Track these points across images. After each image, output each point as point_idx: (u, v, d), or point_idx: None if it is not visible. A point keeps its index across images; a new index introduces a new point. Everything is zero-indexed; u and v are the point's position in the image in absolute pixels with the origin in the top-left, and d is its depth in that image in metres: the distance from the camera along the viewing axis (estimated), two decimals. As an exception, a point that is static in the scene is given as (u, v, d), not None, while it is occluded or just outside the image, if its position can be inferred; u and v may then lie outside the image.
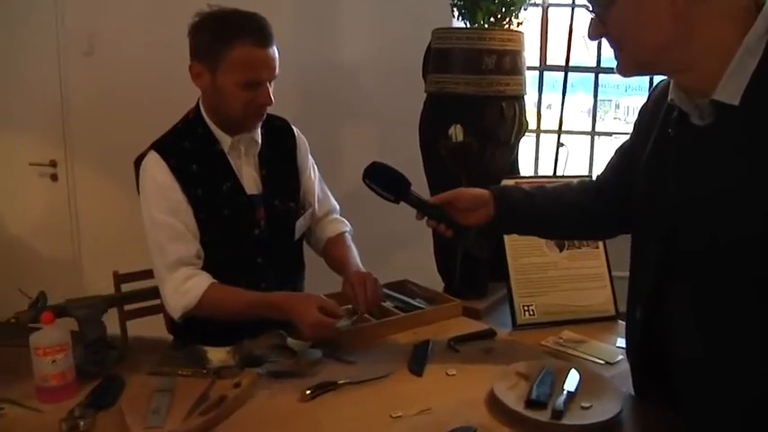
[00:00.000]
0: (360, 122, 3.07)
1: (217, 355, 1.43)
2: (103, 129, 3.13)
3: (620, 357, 1.55)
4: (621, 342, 1.62)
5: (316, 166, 1.81)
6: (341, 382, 1.35)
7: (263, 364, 1.43)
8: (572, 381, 1.34)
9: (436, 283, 2.05)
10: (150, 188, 1.55)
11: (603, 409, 1.25)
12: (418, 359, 1.46)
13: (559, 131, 2.74)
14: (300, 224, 1.72)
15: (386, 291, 1.74)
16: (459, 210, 1.42)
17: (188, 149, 1.56)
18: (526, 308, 1.76)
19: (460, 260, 1.88)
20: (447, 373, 1.41)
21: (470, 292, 1.85)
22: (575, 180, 1.56)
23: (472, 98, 1.77)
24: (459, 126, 1.72)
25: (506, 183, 1.83)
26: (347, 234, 1.81)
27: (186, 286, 1.52)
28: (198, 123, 1.59)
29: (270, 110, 1.60)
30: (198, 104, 1.61)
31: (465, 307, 1.77)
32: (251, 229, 1.62)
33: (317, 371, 1.41)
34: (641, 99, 1.41)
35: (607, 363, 1.55)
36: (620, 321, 1.79)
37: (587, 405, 1.26)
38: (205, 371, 1.40)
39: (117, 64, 3.07)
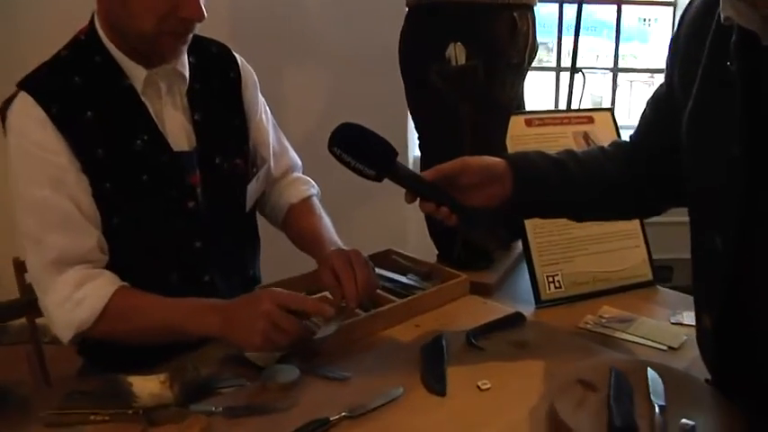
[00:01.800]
0: (312, 59, 2.55)
1: (146, 385, 0.97)
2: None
3: (684, 338, 1.20)
4: (675, 317, 1.28)
5: (268, 109, 1.34)
6: (334, 417, 0.92)
7: (213, 393, 1.00)
8: (656, 388, 0.97)
9: (424, 250, 1.62)
10: (20, 150, 1.05)
11: (713, 428, 0.89)
12: (434, 368, 1.05)
13: (575, 52, 2.32)
14: (253, 189, 1.26)
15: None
16: (465, 187, 1.02)
17: (79, 88, 1.06)
18: (551, 279, 1.37)
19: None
20: (479, 387, 1.01)
21: (476, 260, 1.45)
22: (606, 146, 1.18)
23: (475, 6, 1.32)
24: (459, 45, 1.28)
25: (516, 119, 1.43)
26: (315, 198, 1.36)
27: (80, 294, 1.04)
28: (93, 49, 1.09)
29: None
30: (92, 21, 1.11)
31: (472, 282, 1.37)
32: (183, 200, 1.15)
33: (296, 398, 0.98)
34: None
35: (671, 348, 1.19)
36: (659, 288, 1.44)
37: (689, 424, 0.89)
38: (131, 411, 0.96)
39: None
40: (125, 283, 1.08)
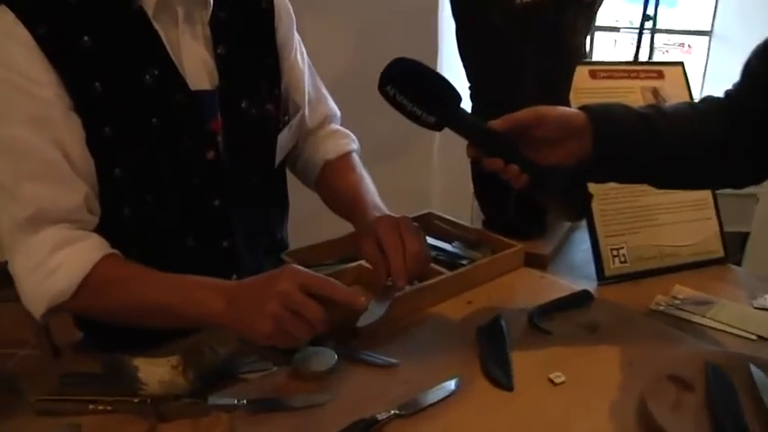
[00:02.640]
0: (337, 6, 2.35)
1: (155, 370, 0.81)
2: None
3: (775, 325, 1.03)
4: (757, 300, 1.12)
5: (304, 50, 1.15)
6: (382, 416, 0.76)
7: (234, 379, 0.84)
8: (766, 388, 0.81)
9: (461, 211, 1.45)
10: None
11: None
12: (496, 356, 0.88)
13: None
14: (283, 140, 1.07)
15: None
16: (538, 141, 0.85)
17: (74, 7, 0.86)
18: (615, 253, 1.20)
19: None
20: (551, 381, 0.85)
21: (529, 228, 1.27)
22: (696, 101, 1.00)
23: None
24: (525, -23, 1.08)
25: (581, 70, 1.24)
26: (355, 155, 1.17)
27: (56, 260, 0.85)
28: None
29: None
30: None
31: (525, 253, 1.20)
32: (200, 150, 0.96)
33: (334, 390, 0.82)
34: None
35: (760, 338, 1.02)
36: (731, 266, 1.27)
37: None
38: (137, 400, 0.80)
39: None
40: (114, 251, 0.89)
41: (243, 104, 0.99)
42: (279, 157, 1.07)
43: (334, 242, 1.15)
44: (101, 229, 0.90)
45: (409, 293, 0.99)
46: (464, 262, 1.14)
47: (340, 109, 1.21)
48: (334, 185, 1.11)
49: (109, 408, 0.79)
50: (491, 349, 0.90)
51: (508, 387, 0.83)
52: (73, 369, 0.86)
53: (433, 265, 1.08)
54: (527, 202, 1.09)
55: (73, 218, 0.87)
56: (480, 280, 1.10)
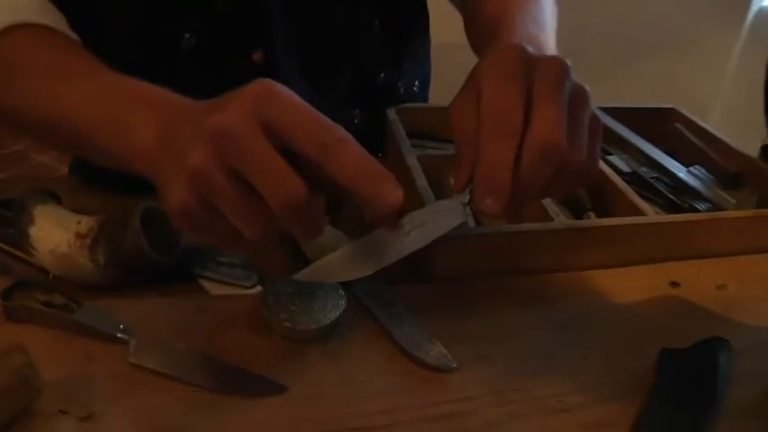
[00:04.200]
0: None
1: (52, 233, 0.48)
2: None
3: None
4: None
5: None
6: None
7: (188, 284, 0.48)
8: None
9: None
10: None
11: None
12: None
13: None
14: None
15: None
16: None
17: None
18: None
19: None
20: None
21: None
22: None
23: None
24: None
25: None
26: None
27: None
28: None
29: None
30: None
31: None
32: None
33: (311, 372, 0.41)
34: None
35: None
36: None
37: None
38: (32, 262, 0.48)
39: None
40: (62, 31, 0.53)
41: None
42: None
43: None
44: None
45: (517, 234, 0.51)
46: (701, 206, 0.61)
47: None
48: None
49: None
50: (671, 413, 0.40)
51: None
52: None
53: (637, 199, 0.57)
54: None
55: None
56: (718, 246, 0.56)
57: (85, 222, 0.49)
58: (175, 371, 0.41)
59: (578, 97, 0.40)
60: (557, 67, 0.39)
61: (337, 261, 0.40)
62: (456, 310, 0.48)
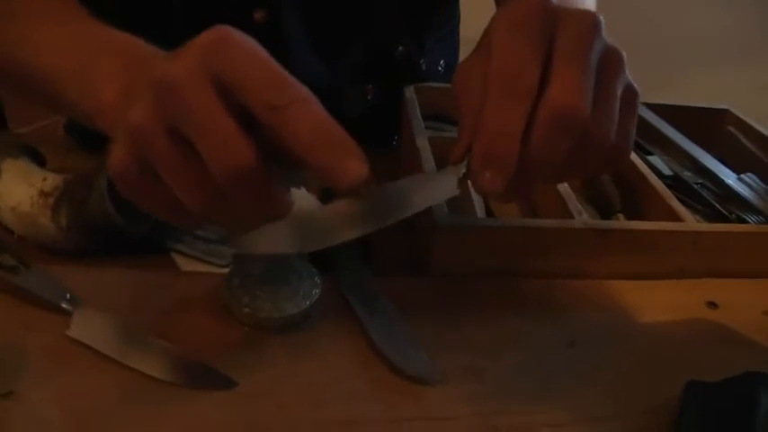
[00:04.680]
0: None
1: (15, 190, 0.44)
2: None
3: None
4: None
5: None
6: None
7: (159, 256, 0.44)
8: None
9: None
10: None
11: None
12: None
13: None
14: None
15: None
16: None
17: None
18: None
19: None
20: None
21: None
22: None
23: None
24: None
25: None
26: None
27: None
28: None
29: None
30: None
31: None
32: None
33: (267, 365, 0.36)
34: None
35: None
36: None
37: None
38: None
39: None
40: None
41: None
42: None
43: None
44: None
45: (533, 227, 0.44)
46: (751, 217, 0.53)
47: None
48: None
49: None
50: None
51: None
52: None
53: (667, 197, 0.50)
54: None
55: None
56: (767, 265, 0.49)
57: (51, 180, 0.44)
58: (115, 351, 0.36)
59: (611, 61, 0.33)
60: (585, 22, 0.32)
61: (274, 231, 0.33)
62: (449, 312, 0.42)
